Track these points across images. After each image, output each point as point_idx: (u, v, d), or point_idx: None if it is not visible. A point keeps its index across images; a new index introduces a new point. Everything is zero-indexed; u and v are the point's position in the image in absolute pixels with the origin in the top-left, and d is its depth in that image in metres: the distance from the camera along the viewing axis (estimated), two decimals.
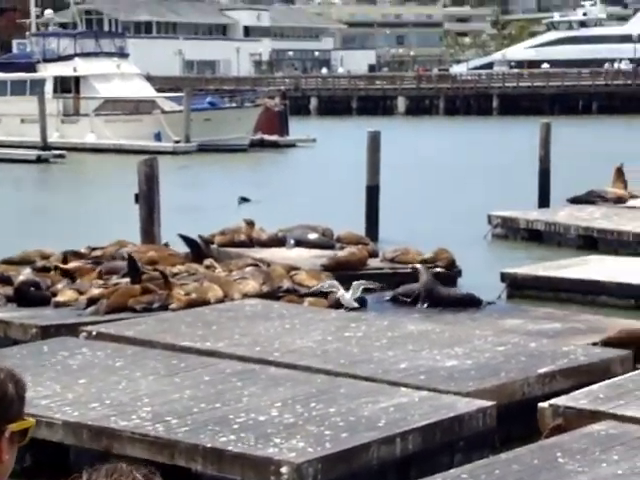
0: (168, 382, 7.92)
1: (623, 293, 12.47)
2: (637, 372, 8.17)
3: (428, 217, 20.56)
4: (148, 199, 13.84)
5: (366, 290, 10.67)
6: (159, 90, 52.51)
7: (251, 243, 14.45)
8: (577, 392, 7.60)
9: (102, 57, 43.46)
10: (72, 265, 12.24)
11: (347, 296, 10.30)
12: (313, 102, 73.75)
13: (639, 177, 20.90)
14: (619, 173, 19.77)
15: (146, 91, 43.60)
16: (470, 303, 10.88)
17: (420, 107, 70.54)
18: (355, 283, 10.65)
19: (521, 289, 13.09)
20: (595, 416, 7.10)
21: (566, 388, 7.96)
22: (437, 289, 10.95)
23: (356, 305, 10.21)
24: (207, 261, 12.46)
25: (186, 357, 8.65)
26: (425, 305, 10.80)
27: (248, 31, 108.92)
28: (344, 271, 12.77)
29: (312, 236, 14.62)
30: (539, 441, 6.91)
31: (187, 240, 13.67)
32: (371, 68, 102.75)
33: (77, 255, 12.96)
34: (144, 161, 14.00)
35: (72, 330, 9.87)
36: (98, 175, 33.24)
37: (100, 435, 7.00)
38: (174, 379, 7.99)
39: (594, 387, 7.69)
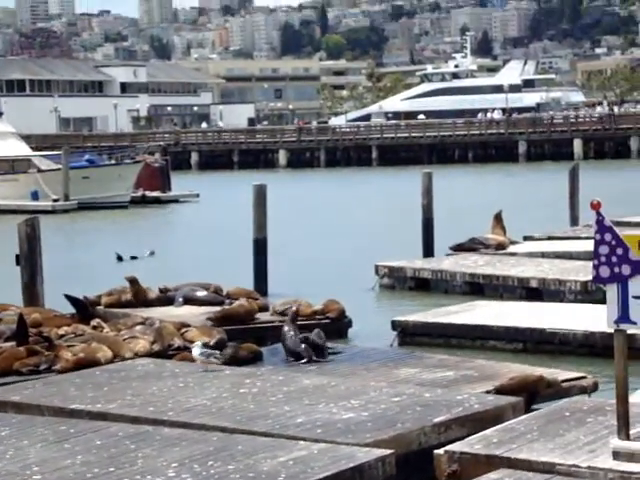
0: (58, 449, 7.68)
1: (511, 337, 12.67)
2: (527, 416, 8.29)
3: (316, 269, 20.64)
4: (30, 260, 13.55)
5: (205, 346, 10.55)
6: (36, 148, 51.80)
7: (138, 303, 14.21)
8: (471, 437, 7.67)
9: None
10: None
11: (195, 351, 10.24)
12: (194, 157, 73.71)
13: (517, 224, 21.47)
14: (497, 220, 20.23)
15: (21, 150, 42.87)
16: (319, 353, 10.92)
17: (301, 159, 71.25)
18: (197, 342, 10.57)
19: (412, 336, 13.20)
20: (490, 460, 7.16)
21: (461, 436, 8.01)
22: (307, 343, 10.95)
23: (203, 358, 10.13)
24: (94, 321, 12.21)
25: (76, 422, 8.42)
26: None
27: (125, 87, 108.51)
28: (234, 324, 12.68)
29: (200, 293, 14.49)
30: None
31: (73, 300, 13.40)
32: (251, 122, 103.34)
33: None
34: (25, 221, 13.72)
35: None
36: None
37: None
38: (64, 445, 7.76)
39: (487, 432, 7.77)
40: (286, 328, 11.23)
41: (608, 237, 6.74)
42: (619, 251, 6.71)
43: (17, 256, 13.70)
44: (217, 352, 10.40)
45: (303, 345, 10.94)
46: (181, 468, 7.14)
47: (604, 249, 6.76)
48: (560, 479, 6.87)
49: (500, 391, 9.20)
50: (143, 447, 7.65)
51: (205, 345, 10.41)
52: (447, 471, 7.27)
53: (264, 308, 13.74)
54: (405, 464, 7.65)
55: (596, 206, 6.76)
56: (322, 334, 11.33)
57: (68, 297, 13.44)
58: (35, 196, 38.89)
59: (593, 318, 12.73)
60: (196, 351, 10.17)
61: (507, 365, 10.45)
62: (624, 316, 6.77)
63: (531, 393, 9.33)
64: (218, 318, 12.80)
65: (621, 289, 6.75)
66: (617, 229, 6.83)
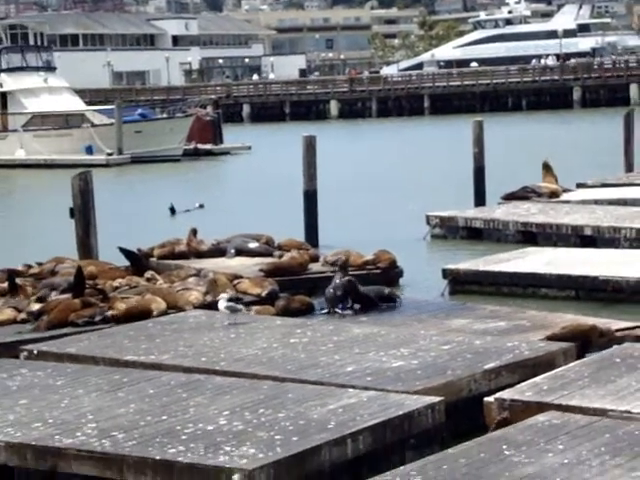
0: (112, 398, 7.83)
1: (563, 284, 12.58)
2: (577, 362, 8.28)
3: (367, 220, 20.62)
4: (84, 213, 13.70)
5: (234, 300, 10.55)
6: (89, 103, 52.10)
7: (191, 254, 14.34)
8: (521, 385, 7.67)
9: (29, 71, 42.97)
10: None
11: (221, 304, 10.20)
12: (246, 109, 73.65)
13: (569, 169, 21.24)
14: (547, 168, 20.02)
15: (75, 105, 43.21)
16: (384, 299, 10.97)
17: (353, 110, 70.86)
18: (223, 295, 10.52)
19: (463, 285, 13.15)
20: (540, 407, 7.17)
21: (512, 383, 8.03)
22: (347, 290, 10.92)
23: (227, 311, 10.10)
24: (148, 273, 12.34)
25: (129, 372, 8.57)
26: (341, 307, 10.82)
27: (177, 40, 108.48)
28: (285, 276, 12.76)
29: (252, 244, 14.57)
30: (486, 435, 6.96)
31: (127, 253, 13.55)
32: (302, 73, 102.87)
33: (14, 273, 12.75)
34: (78, 175, 13.85)
35: (12, 349, 9.71)
36: (30, 191, 32.80)
37: (45, 454, 6.89)
38: (118, 394, 7.91)
39: (537, 379, 7.77)
40: (335, 278, 11.27)
41: None
42: None
43: (71, 209, 13.86)
44: (241, 306, 10.29)
45: (331, 293, 10.88)
46: (232, 416, 7.25)
47: None
48: (609, 421, 6.86)
49: (552, 340, 9.17)
50: (195, 395, 7.77)
51: (231, 299, 10.38)
52: (497, 418, 7.28)
53: (315, 259, 13.78)
54: (455, 411, 7.69)
55: None
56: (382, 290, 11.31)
57: (122, 250, 13.59)
58: (89, 150, 39.25)
59: None
60: (222, 304, 10.14)
61: (560, 315, 10.42)
62: None
63: (584, 342, 9.29)
64: (270, 270, 12.87)
65: None
66: None
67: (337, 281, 11.05)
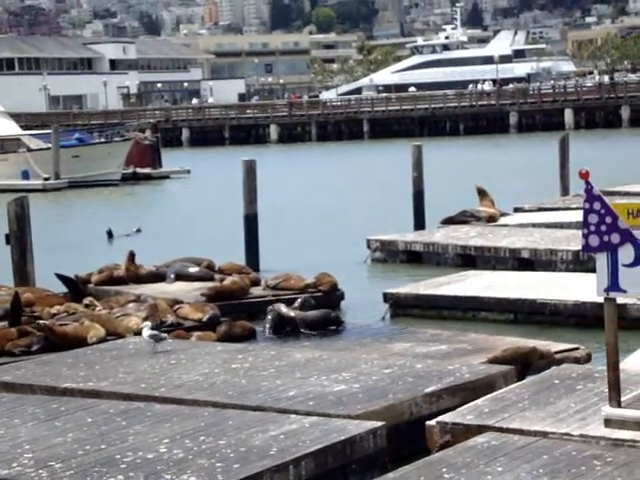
0: (49, 427, 7.70)
1: (502, 308, 12.69)
2: (517, 384, 8.32)
3: (308, 244, 20.63)
4: (20, 239, 13.52)
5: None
6: (25, 127, 51.55)
7: (129, 279, 14.19)
8: (462, 408, 7.70)
9: None
10: None
11: (145, 332, 10.09)
12: (185, 133, 73.49)
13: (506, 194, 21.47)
14: (482, 192, 20.21)
15: (11, 129, 42.71)
16: (330, 322, 11.05)
17: (293, 134, 71.09)
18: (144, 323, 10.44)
19: (404, 308, 13.21)
20: (481, 430, 7.20)
21: (453, 406, 8.05)
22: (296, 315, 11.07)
23: (151, 340, 10.00)
24: (86, 300, 12.20)
25: (66, 400, 8.44)
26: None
27: (114, 64, 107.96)
28: (226, 300, 12.68)
29: (192, 269, 14.48)
30: (426, 458, 6.96)
31: (64, 279, 13.39)
32: (241, 97, 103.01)
33: None
34: (14, 200, 13.68)
35: None
36: None
37: None
38: (55, 423, 7.78)
39: (478, 402, 7.80)
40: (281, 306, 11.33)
41: (597, 206, 6.74)
42: (608, 220, 6.72)
43: (7, 235, 13.67)
44: (165, 334, 10.16)
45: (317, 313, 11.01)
46: (173, 444, 7.17)
47: (593, 218, 6.77)
48: (546, 442, 6.91)
49: (493, 363, 9.22)
50: (134, 424, 7.67)
51: (153, 328, 10.26)
52: (439, 442, 7.29)
53: (256, 283, 13.75)
54: (397, 435, 7.68)
55: (584, 175, 6.76)
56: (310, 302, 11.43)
57: (59, 276, 13.43)
58: (25, 175, 38.79)
59: (584, 288, 12.75)
60: (145, 332, 10.03)
61: (500, 338, 10.48)
62: (614, 284, 6.79)
63: (524, 364, 9.36)
64: (211, 295, 12.80)
65: (611, 257, 6.77)
66: (607, 198, 6.83)
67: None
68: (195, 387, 8.68)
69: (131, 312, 11.39)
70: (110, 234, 22.71)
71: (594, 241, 6.78)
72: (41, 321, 10.56)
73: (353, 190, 32.31)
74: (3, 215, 13.94)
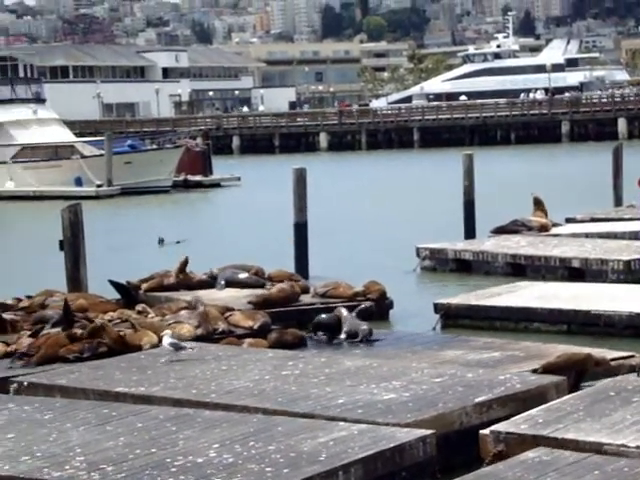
0: (100, 431, 7.78)
1: (555, 319, 12.58)
2: (572, 395, 8.26)
3: (357, 252, 20.63)
4: (73, 246, 13.67)
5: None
6: (79, 134, 52.19)
7: (180, 286, 14.28)
8: (516, 417, 7.65)
9: (18, 103, 43.07)
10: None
11: (165, 340, 10.11)
12: (235, 141, 73.85)
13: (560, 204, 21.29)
14: (537, 203, 20.07)
15: (65, 136, 43.27)
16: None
17: (342, 142, 71.13)
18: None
19: (455, 319, 13.13)
20: (536, 440, 7.14)
21: (503, 416, 8.01)
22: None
23: (171, 348, 10.01)
24: (139, 306, 12.30)
25: (118, 405, 8.53)
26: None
27: (167, 72, 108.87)
28: (275, 308, 12.72)
29: (242, 275, 14.55)
30: (479, 469, 6.93)
31: (117, 286, 13.51)
32: (292, 105, 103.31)
33: (4, 307, 12.68)
34: (68, 208, 13.84)
35: (1, 384, 9.64)
36: (19, 222, 32.73)
37: None
38: (106, 427, 7.87)
39: (533, 412, 7.75)
40: (343, 310, 11.34)
41: None
42: None
43: (61, 242, 13.83)
44: (184, 344, 10.13)
45: (363, 326, 11.00)
46: (222, 449, 7.21)
47: None
48: (598, 458, 6.84)
49: (547, 369, 9.14)
50: (184, 429, 7.73)
51: (174, 336, 10.26)
52: (493, 451, 7.26)
53: (305, 290, 13.76)
54: (446, 444, 7.66)
55: None
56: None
57: (113, 283, 13.55)
58: (79, 182, 39.23)
59: (637, 299, 12.63)
60: (166, 340, 10.05)
61: (553, 346, 10.40)
62: None
63: (579, 371, 9.28)
64: (259, 302, 12.83)
65: None
66: None
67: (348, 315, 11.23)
68: (245, 393, 8.72)
69: (183, 319, 11.47)
70: (161, 241, 22.88)
71: None
72: (97, 320, 10.65)
73: (403, 198, 32.26)
74: (57, 221, 14.11)
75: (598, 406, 7.78)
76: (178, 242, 22.91)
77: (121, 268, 17.60)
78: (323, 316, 11.49)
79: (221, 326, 11.49)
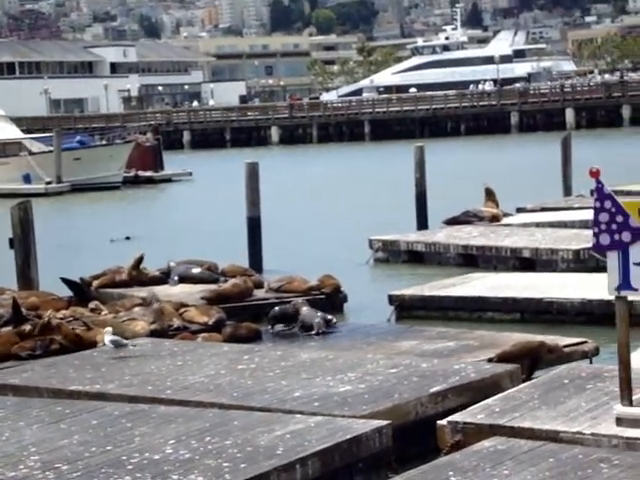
0: (54, 429, 7.71)
1: (508, 308, 12.69)
2: (527, 384, 8.33)
3: (311, 245, 20.65)
4: (24, 243, 13.53)
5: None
6: (27, 131, 51.63)
7: (132, 282, 14.18)
8: (473, 407, 7.70)
9: None
10: None
11: (106, 338, 10.10)
12: (186, 136, 73.55)
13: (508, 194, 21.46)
14: (488, 193, 20.22)
15: (12, 133, 42.73)
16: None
17: (294, 136, 71.16)
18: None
19: (409, 310, 13.19)
20: (493, 430, 7.20)
21: (459, 405, 8.06)
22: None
23: (112, 345, 10.02)
24: (92, 304, 12.19)
25: (71, 403, 8.45)
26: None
27: (115, 67, 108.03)
28: (228, 303, 12.68)
29: (195, 271, 14.49)
30: (435, 460, 6.97)
31: (69, 283, 13.37)
32: (242, 99, 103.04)
33: None
34: (17, 205, 13.69)
35: None
36: None
37: None
38: (60, 425, 7.79)
39: (489, 401, 7.81)
40: (300, 303, 11.42)
41: (608, 204, 6.72)
42: (619, 218, 6.70)
43: (10, 240, 13.68)
44: (126, 341, 10.10)
45: (317, 319, 11.03)
46: (178, 445, 7.17)
47: (604, 217, 6.74)
48: (553, 445, 6.92)
49: (502, 358, 9.22)
50: (140, 425, 7.68)
51: (115, 333, 10.25)
52: (450, 442, 7.30)
53: (259, 285, 13.75)
54: (402, 435, 7.69)
55: (595, 174, 6.74)
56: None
57: (65, 280, 13.42)
58: (27, 179, 38.80)
59: (588, 286, 12.79)
60: (107, 338, 10.03)
61: (507, 334, 10.49)
62: (625, 283, 6.77)
63: (533, 359, 9.38)
64: (212, 297, 12.80)
65: (622, 256, 6.75)
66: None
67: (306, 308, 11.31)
68: (201, 388, 8.69)
69: (137, 316, 11.40)
70: (112, 240, 22.71)
71: (605, 240, 6.77)
72: (53, 320, 10.55)
73: (355, 191, 32.33)
74: (6, 219, 13.95)
75: (553, 394, 7.86)
76: (128, 238, 22.75)
77: (72, 265, 17.45)
78: (277, 308, 11.51)
79: (176, 322, 11.44)
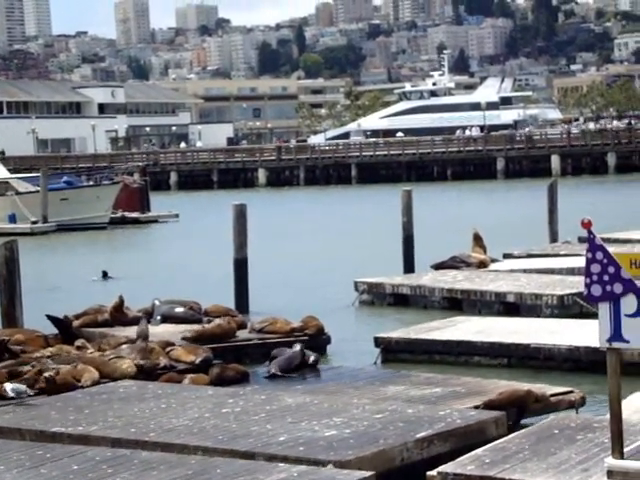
0: (34, 474, 7.58)
1: (495, 353, 12.64)
2: (516, 434, 8.24)
3: (296, 287, 20.60)
4: (9, 283, 13.45)
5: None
6: (14, 170, 51.55)
7: (115, 321, 14.11)
8: (463, 458, 7.61)
9: None
10: None
11: (7, 386, 10.04)
12: (173, 177, 73.62)
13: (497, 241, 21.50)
14: (477, 239, 20.22)
15: None
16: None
17: (281, 178, 71.33)
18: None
19: (395, 353, 13.14)
20: None
21: (444, 451, 8.00)
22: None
23: (13, 394, 9.94)
24: (79, 341, 12.12)
25: (52, 446, 8.32)
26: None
27: (103, 108, 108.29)
28: (211, 343, 12.60)
29: (178, 310, 14.44)
30: None
31: (55, 321, 13.29)
32: (229, 141, 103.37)
33: None
34: (3, 244, 13.65)
35: None
36: None
37: None
38: (40, 470, 7.66)
39: (479, 451, 7.73)
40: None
41: (599, 255, 6.71)
42: (611, 269, 6.68)
43: None
44: (25, 387, 10.05)
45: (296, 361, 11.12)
46: None
47: (596, 267, 6.73)
48: None
49: (489, 406, 9.16)
50: (121, 471, 7.56)
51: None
52: None
53: (242, 326, 13.70)
54: None
55: (587, 225, 6.74)
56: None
57: (50, 317, 13.34)
58: (12, 219, 38.68)
59: (574, 332, 12.78)
60: (8, 386, 9.98)
61: (494, 381, 10.43)
62: (617, 334, 6.73)
63: (520, 407, 9.32)
64: (194, 338, 12.74)
65: (613, 307, 6.72)
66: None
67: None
68: (185, 432, 8.60)
69: (124, 354, 11.32)
70: (105, 275, 22.76)
71: (596, 291, 6.75)
72: (46, 374, 10.42)
73: (342, 233, 32.35)
74: None
75: (543, 445, 7.79)
76: (105, 275, 22.77)
77: (57, 304, 17.34)
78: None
79: (163, 361, 11.37)
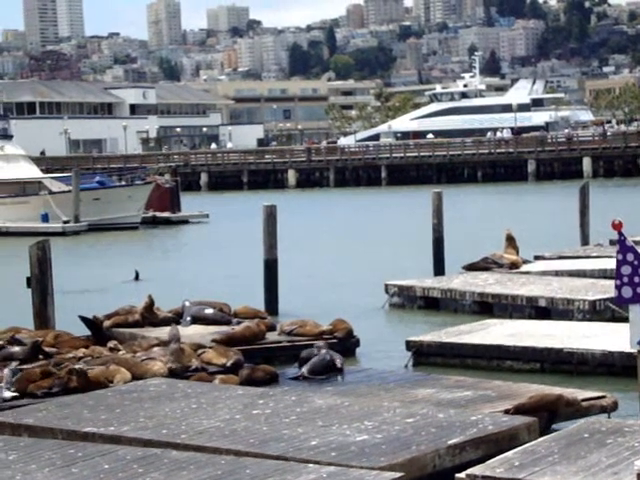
0: (65, 473, 7.61)
1: (528, 357, 12.55)
2: (546, 437, 8.18)
3: (326, 288, 20.56)
4: (41, 282, 13.51)
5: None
6: (47, 171, 51.89)
7: (145, 322, 14.13)
8: (493, 460, 7.57)
9: None
10: None
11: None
12: (203, 178, 73.78)
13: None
14: (510, 240, 20.10)
15: (32, 172, 42.98)
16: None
17: (310, 179, 71.29)
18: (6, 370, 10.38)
19: (426, 356, 13.07)
20: None
21: (476, 457, 7.93)
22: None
23: (7, 396, 9.97)
24: (111, 343, 12.16)
25: (84, 445, 8.35)
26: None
27: (134, 109, 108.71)
28: (240, 346, 12.59)
29: (208, 311, 14.45)
30: None
31: (88, 321, 13.33)
32: (260, 142, 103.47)
33: None
34: (36, 244, 13.69)
35: None
36: None
37: None
38: (72, 469, 7.69)
39: (508, 454, 7.68)
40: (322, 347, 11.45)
41: (630, 257, 6.64)
42: None
43: (28, 279, 13.66)
44: (10, 393, 10.18)
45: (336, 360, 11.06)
46: None
47: (626, 269, 6.66)
48: None
49: (519, 410, 9.08)
50: (151, 471, 7.58)
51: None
52: None
53: (271, 328, 13.68)
54: None
55: (618, 226, 6.67)
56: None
57: (83, 318, 13.39)
58: (45, 218, 38.93)
59: (606, 337, 12.65)
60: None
61: (525, 385, 10.36)
62: None
63: (551, 412, 9.23)
64: (223, 340, 12.74)
65: None
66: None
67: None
68: (216, 434, 8.58)
69: (156, 356, 11.35)
70: (137, 276, 22.77)
71: (627, 292, 6.68)
72: (77, 366, 10.50)
73: (371, 235, 32.28)
74: (24, 258, 13.93)
75: (573, 448, 7.73)
76: (137, 276, 22.80)
77: (88, 305, 17.41)
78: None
79: (194, 363, 11.39)
